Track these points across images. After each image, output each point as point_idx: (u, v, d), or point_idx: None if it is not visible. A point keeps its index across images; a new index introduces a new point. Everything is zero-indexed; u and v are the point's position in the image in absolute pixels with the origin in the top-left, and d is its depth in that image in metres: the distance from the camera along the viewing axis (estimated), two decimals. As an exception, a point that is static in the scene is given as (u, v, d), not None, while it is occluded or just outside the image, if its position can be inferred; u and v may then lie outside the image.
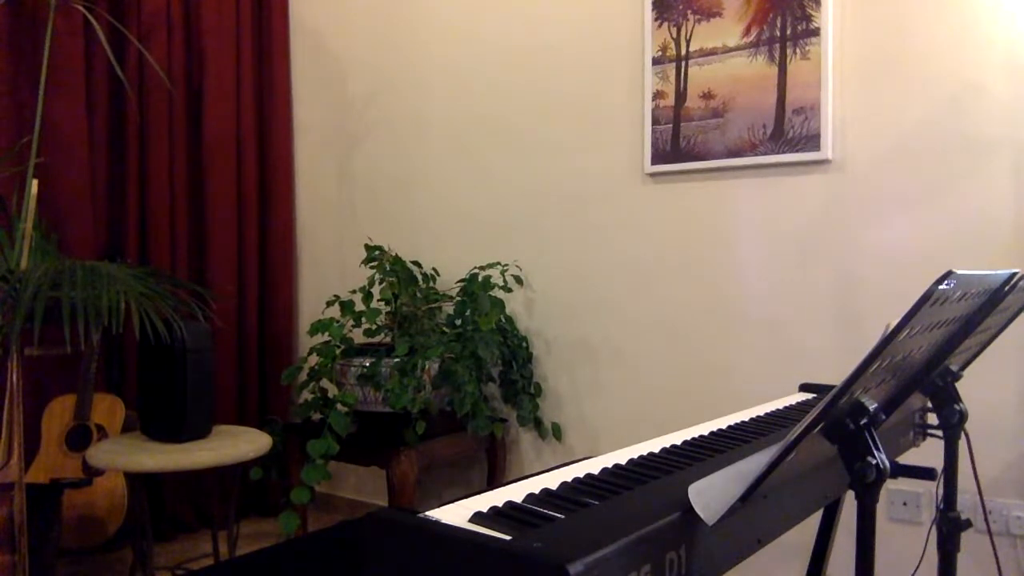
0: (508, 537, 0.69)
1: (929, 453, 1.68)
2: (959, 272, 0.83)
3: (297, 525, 2.50)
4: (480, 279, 2.78)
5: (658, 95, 2.54)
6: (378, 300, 2.78)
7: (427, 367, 2.57)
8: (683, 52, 2.49)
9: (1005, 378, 2.04)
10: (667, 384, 2.57)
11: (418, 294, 2.87)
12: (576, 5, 2.75)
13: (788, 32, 2.30)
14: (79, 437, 2.68)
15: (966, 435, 1.32)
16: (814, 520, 1.46)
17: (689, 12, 2.48)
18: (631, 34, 2.62)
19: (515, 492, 0.85)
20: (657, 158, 2.54)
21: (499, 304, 2.78)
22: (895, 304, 2.19)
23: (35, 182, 2.22)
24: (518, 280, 2.90)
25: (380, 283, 2.77)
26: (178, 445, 2.23)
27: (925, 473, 1.13)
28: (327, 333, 2.58)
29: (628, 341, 2.65)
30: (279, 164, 3.52)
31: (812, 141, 2.26)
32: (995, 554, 1.70)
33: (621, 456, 1.02)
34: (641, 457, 1.02)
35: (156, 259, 3.12)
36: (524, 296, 2.90)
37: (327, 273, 3.52)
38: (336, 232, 3.48)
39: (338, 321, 2.61)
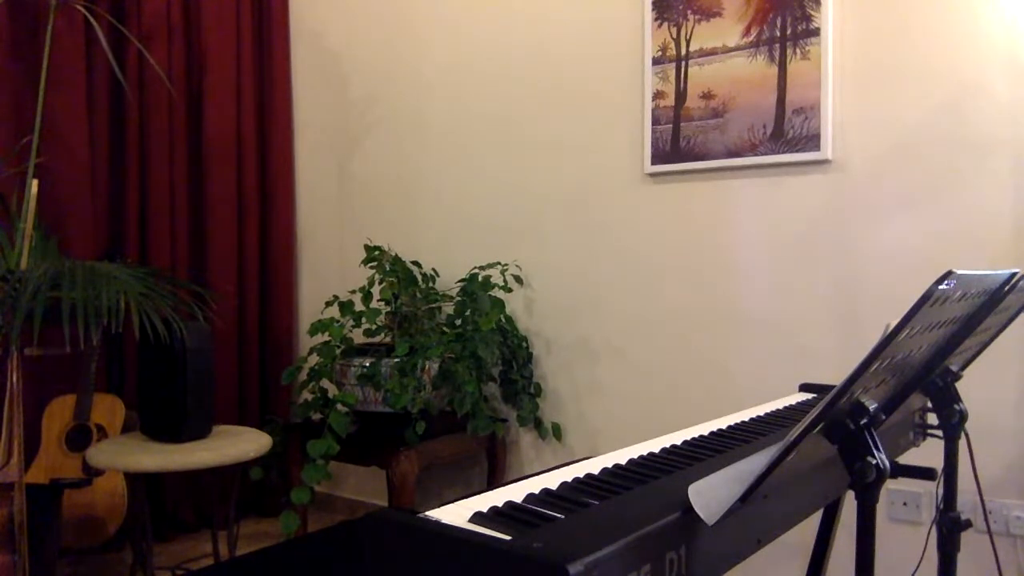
0: (508, 537, 0.69)
1: (929, 453, 1.67)
2: (959, 272, 0.83)
3: (297, 525, 2.50)
4: (480, 279, 2.78)
5: (658, 95, 2.53)
6: (378, 300, 2.78)
7: (427, 367, 2.57)
8: (683, 52, 2.49)
9: (1005, 378, 2.04)
10: (667, 384, 2.57)
11: (418, 294, 2.87)
12: (576, 5, 2.75)
13: (788, 32, 2.30)
14: (79, 437, 2.68)
15: (966, 435, 1.32)
16: (814, 520, 1.46)
17: (689, 12, 2.48)
18: (631, 34, 2.62)
19: (515, 492, 0.85)
20: (657, 158, 2.54)
21: (499, 304, 2.78)
22: (895, 304, 2.19)
23: (35, 182, 2.22)
24: (518, 280, 2.90)
25: (380, 283, 2.77)
26: (178, 445, 2.23)
27: (925, 473, 1.13)
28: (327, 333, 2.58)
29: (628, 341, 2.65)
30: (279, 164, 3.52)
31: (812, 141, 2.26)
32: (995, 554, 1.69)
33: (621, 456, 1.02)
34: (641, 457, 1.02)
35: (156, 259, 3.12)
36: (524, 296, 2.90)
37: (327, 273, 3.52)
38: (336, 232, 3.48)
39: (338, 321, 2.61)
